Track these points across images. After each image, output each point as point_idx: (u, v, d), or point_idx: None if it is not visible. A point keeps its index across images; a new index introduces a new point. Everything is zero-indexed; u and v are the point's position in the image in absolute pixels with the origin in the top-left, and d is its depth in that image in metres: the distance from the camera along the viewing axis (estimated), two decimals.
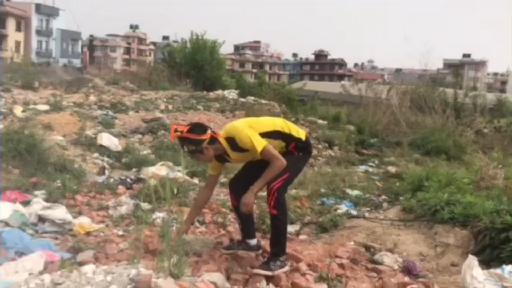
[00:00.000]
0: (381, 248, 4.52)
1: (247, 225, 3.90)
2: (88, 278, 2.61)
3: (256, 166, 3.63)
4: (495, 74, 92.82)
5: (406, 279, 3.88)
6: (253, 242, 3.87)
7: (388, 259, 4.23)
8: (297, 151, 3.67)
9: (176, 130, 3.52)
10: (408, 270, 4.08)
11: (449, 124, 13.16)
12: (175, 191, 3.66)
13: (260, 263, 3.63)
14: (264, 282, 3.40)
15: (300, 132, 3.73)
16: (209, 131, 3.56)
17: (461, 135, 12.54)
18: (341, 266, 3.91)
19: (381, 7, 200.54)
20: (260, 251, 3.88)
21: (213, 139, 3.55)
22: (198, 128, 3.60)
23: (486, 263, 3.95)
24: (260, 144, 3.46)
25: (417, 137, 12.40)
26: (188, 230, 3.91)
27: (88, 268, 2.76)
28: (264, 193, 5.30)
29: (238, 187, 3.78)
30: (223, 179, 7.45)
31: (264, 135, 3.55)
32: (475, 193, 5.42)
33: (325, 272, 3.68)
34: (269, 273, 3.44)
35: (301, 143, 3.68)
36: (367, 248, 4.54)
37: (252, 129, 3.51)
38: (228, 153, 3.63)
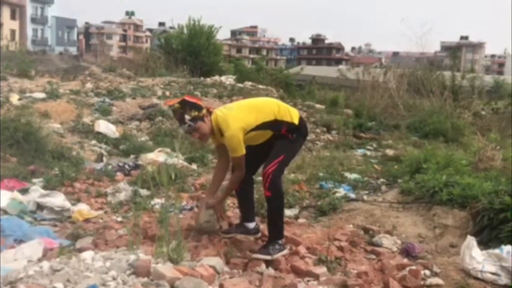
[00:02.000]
0: (379, 231, 4.53)
1: (246, 208, 3.91)
2: (87, 265, 2.61)
3: (259, 150, 3.63)
4: (493, 56, 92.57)
5: (405, 260, 3.90)
6: (251, 225, 3.87)
7: (387, 241, 4.24)
8: (290, 133, 3.61)
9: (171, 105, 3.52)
10: (407, 251, 4.10)
11: (447, 107, 13.11)
12: (173, 176, 3.63)
13: (259, 247, 3.64)
14: (263, 265, 3.42)
15: (293, 116, 3.64)
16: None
17: (459, 118, 12.49)
18: (340, 248, 3.92)
19: None
20: (259, 234, 3.88)
21: (209, 112, 3.55)
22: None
23: (484, 244, 3.97)
24: (238, 151, 3.48)
25: (415, 120, 12.37)
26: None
27: (87, 255, 2.77)
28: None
29: None
30: None
31: (254, 128, 3.54)
32: (473, 174, 5.43)
33: (324, 255, 3.70)
34: (268, 257, 3.45)
35: (293, 126, 3.62)
36: (366, 230, 4.54)
37: (241, 132, 3.46)
38: (215, 136, 3.61)
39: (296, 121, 3.63)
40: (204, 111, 3.48)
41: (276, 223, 3.59)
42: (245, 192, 3.86)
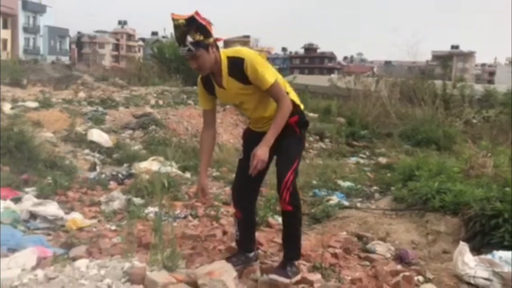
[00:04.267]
0: (373, 238, 4.55)
1: (248, 238, 3.49)
2: (81, 273, 2.61)
3: (259, 173, 3.06)
4: (483, 65, 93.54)
5: (399, 267, 3.91)
6: (251, 254, 3.50)
7: (381, 248, 4.26)
8: (299, 128, 3.14)
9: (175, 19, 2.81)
10: (400, 258, 4.12)
11: (439, 115, 13.22)
12: (166, 185, 3.57)
13: (276, 266, 3.31)
14: (258, 273, 3.41)
15: (297, 99, 3.20)
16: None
17: (451, 126, 12.58)
18: (334, 255, 3.93)
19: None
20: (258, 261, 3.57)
21: (216, 44, 2.92)
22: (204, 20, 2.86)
23: (476, 250, 4.00)
24: (272, 76, 2.93)
25: (407, 128, 12.45)
26: (207, 183, 3.39)
27: (82, 263, 2.76)
28: None
29: (243, 199, 3.36)
30: (215, 172, 7.44)
31: None
32: (465, 181, 5.47)
33: (318, 262, 3.70)
34: (287, 280, 3.09)
35: (303, 115, 3.20)
36: (360, 237, 4.56)
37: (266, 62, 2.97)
38: (220, 79, 3.01)
39: (301, 105, 3.20)
40: (212, 40, 2.85)
41: (295, 242, 3.25)
42: (249, 220, 3.43)
